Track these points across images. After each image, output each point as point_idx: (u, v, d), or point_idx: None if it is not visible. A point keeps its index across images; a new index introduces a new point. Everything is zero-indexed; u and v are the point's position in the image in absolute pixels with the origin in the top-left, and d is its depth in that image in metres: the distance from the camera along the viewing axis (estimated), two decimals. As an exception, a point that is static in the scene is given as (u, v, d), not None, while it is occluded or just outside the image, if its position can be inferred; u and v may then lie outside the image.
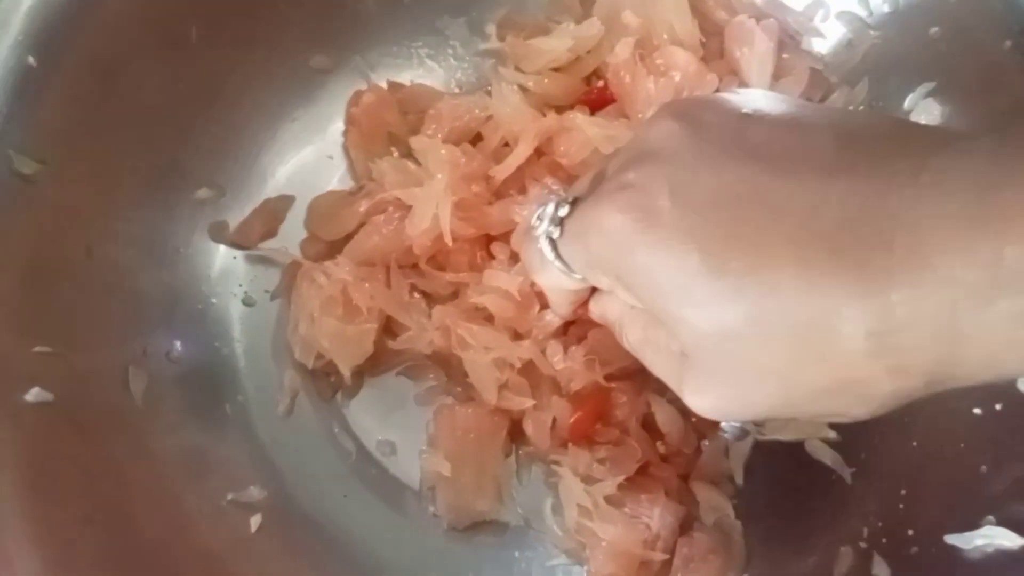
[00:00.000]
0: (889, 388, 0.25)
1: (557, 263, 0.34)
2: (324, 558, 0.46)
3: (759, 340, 0.26)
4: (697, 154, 0.28)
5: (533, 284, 0.44)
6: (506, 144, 0.50)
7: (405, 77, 0.53)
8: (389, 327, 0.49)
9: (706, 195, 0.27)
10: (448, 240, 0.46)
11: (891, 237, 0.24)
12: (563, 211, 0.33)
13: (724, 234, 0.26)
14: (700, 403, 0.29)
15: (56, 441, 0.39)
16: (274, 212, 0.51)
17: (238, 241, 0.50)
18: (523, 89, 0.50)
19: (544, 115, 0.48)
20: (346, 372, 0.48)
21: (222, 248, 0.50)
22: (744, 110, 0.29)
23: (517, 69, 0.50)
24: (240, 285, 0.50)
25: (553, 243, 0.34)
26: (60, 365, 0.40)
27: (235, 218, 0.50)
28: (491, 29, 0.51)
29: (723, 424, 0.49)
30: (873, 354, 0.24)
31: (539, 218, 0.35)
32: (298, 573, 0.45)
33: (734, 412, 0.31)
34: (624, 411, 0.47)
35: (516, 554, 0.48)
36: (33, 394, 0.38)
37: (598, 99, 0.50)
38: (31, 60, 0.40)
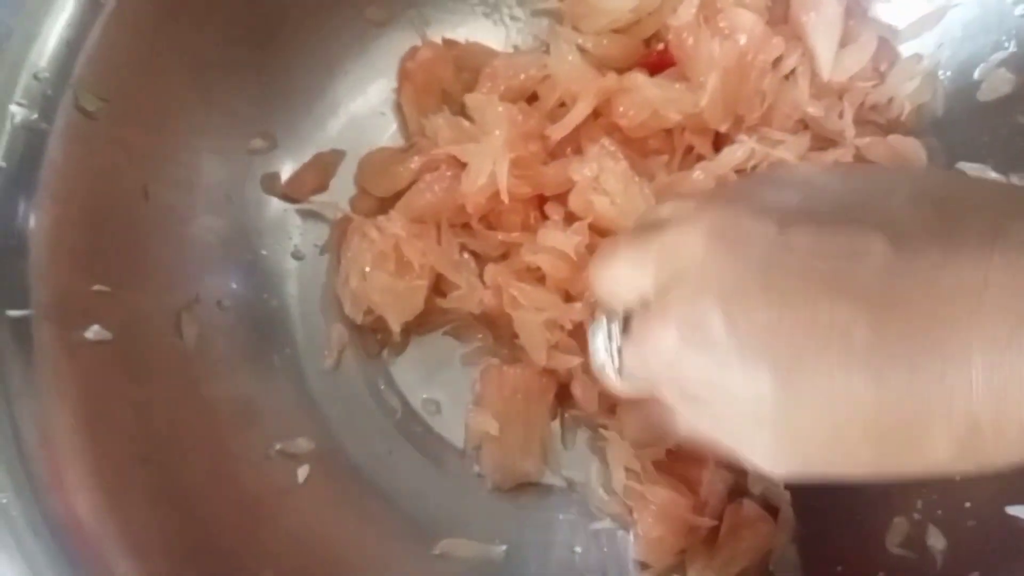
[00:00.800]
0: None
1: (625, 386, 0.33)
2: (369, 511, 0.46)
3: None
4: (738, 284, 0.26)
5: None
6: (562, 104, 0.49)
7: (460, 34, 0.52)
8: (439, 286, 0.49)
9: (759, 326, 0.25)
10: (505, 197, 0.45)
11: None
12: (618, 343, 0.32)
13: (788, 356, 0.25)
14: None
15: (113, 379, 0.39)
16: (325, 166, 0.51)
17: (289, 193, 0.50)
18: (581, 50, 0.49)
19: (603, 75, 0.48)
20: (396, 327, 0.47)
21: (274, 200, 0.50)
22: (784, 209, 0.27)
23: (575, 29, 0.50)
24: (290, 238, 0.50)
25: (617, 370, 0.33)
26: (117, 305, 0.40)
27: (287, 170, 0.50)
28: (549, -12, 0.51)
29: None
30: None
31: (597, 352, 0.34)
32: (344, 524, 0.45)
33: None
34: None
35: (560, 516, 0.47)
36: (93, 331, 0.38)
37: (658, 62, 0.49)
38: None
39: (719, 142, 0.47)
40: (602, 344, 0.33)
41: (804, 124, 0.47)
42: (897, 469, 0.26)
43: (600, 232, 0.46)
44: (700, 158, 0.47)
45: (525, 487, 0.48)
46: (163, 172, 0.44)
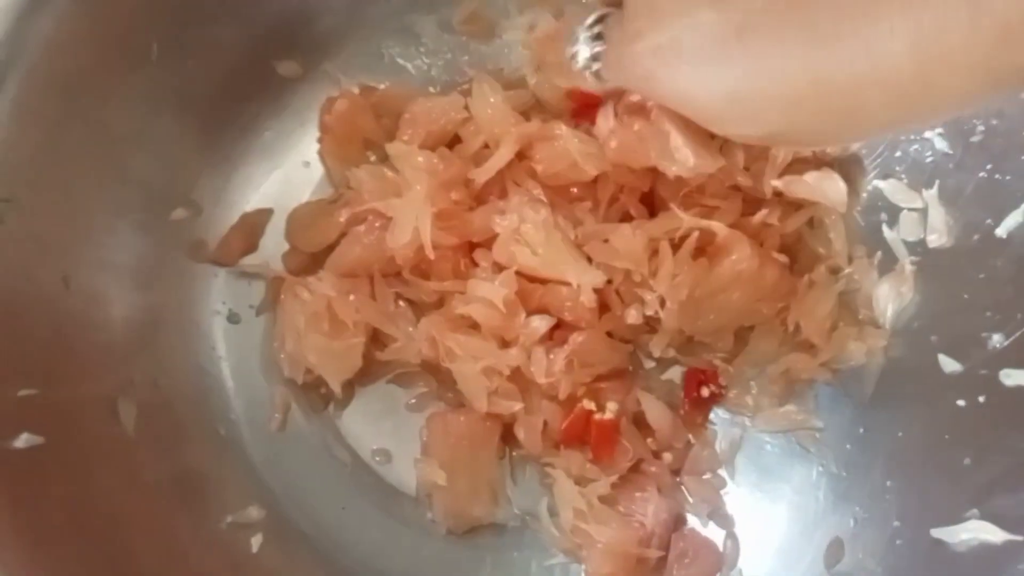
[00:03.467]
0: None
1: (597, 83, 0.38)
2: (326, 571, 0.46)
3: None
4: None
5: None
6: (486, 146, 0.49)
7: (377, 79, 0.51)
8: (377, 337, 0.49)
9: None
10: (429, 253, 0.45)
11: None
12: (597, 48, 0.37)
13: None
14: None
15: (47, 483, 0.39)
16: (253, 226, 0.50)
17: (218, 259, 0.50)
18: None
19: (528, 119, 0.47)
20: (336, 387, 0.48)
21: (202, 267, 0.49)
22: None
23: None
24: (223, 303, 0.50)
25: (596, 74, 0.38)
26: (47, 405, 0.40)
27: (214, 235, 0.50)
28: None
29: (712, 417, 0.49)
30: None
31: (573, 57, 0.38)
32: (302, 587, 0.46)
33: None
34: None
35: (515, 554, 0.48)
36: (22, 440, 0.38)
37: (584, 104, 0.48)
38: (-7, 90, 0.38)
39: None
40: (583, 54, 0.38)
41: (736, 187, 0.47)
42: (839, 133, 0.32)
43: (529, 278, 0.46)
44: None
45: (479, 528, 0.49)
46: (82, 258, 0.44)
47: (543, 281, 0.47)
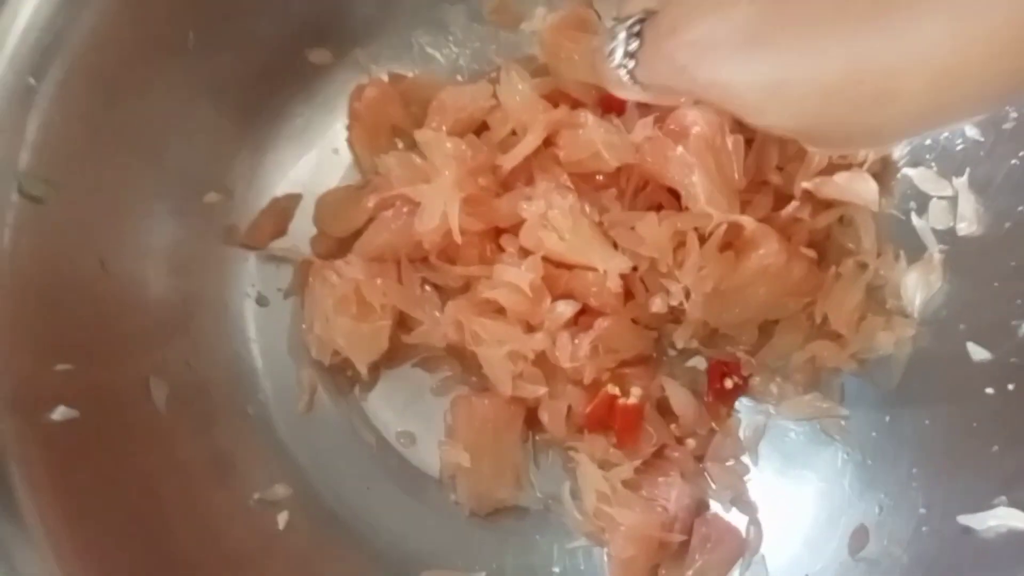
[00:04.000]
0: None
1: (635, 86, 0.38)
2: (351, 550, 0.47)
3: None
4: None
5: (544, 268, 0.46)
6: (513, 133, 0.49)
7: (406, 67, 0.52)
8: (403, 321, 0.49)
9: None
10: (457, 238, 0.46)
11: None
12: (633, 45, 0.37)
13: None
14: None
15: (85, 457, 0.40)
16: (282, 211, 0.51)
17: (249, 242, 0.51)
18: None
19: (556, 106, 0.48)
20: (362, 369, 0.48)
21: (234, 250, 0.50)
22: None
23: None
24: (253, 285, 0.51)
25: (630, 72, 0.38)
26: (83, 381, 0.41)
27: (244, 219, 0.51)
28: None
29: (736, 405, 0.49)
30: None
31: (611, 54, 0.38)
32: (326, 566, 0.46)
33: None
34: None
35: (537, 537, 0.49)
36: (59, 412, 0.39)
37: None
38: (31, 80, 0.39)
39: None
40: (620, 51, 0.38)
41: (766, 182, 0.47)
42: (877, 125, 0.30)
43: (555, 264, 0.47)
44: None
45: (502, 511, 0.49)
46: (119, 242, 0.45)
47: (569, 267, 0.47)
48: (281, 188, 0.51)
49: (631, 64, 0.38)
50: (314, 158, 0.52)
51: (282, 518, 0.46)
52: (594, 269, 0.46)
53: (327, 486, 0.48)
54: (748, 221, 0.44)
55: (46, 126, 0.40)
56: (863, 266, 0.48)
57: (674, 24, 0.34)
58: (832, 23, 0.29)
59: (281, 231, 0.52)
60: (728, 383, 0.49)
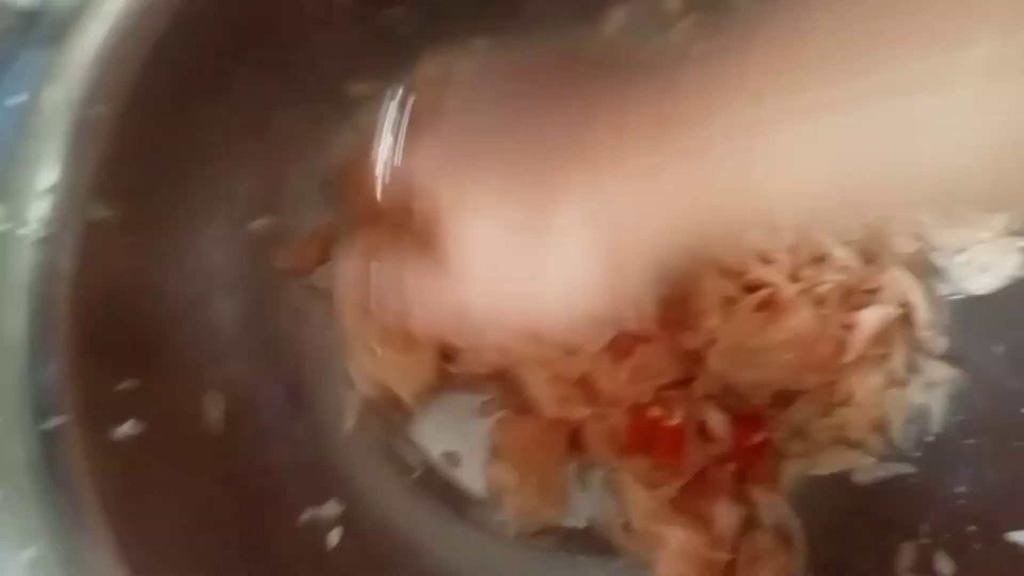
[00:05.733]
0: None
1: None
2: (398, 569, 0.48)
3: None
4: None
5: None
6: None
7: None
8: (445, 351, 0.50)
9: None
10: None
11: None
12: None
13: None
14: None
15: (148, 472, 0.41)
16: (325, 238, 0.52)
17: (294, 268, 0.52)
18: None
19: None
20: (409, 400, 0.49)
21: (281, 274, 0.52)
22: None
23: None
24: (299, 307, 0.52)
25: None
26: (144, 398, 0.42)
27: (291, 245, 0.52)
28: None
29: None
30: None
31: None
32: (375, 586, 0.47)
33: None
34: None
35: (583, 558, 0.49)
36: (125, 428, 0.40)
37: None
38: (100, 109, 0.41)
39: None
40: None
41: None
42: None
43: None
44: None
45: (547, 531, 0.50)
46: (173, 264, 0.46)
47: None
48: (323, 216, 0.53)
49: None
50: (357, 185, 0.53)
51: (332, 536, 0.47)
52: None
53: (375, 504, 0.49)
54: (786, 285, 0.45)
55: (107, 154, 0.42)
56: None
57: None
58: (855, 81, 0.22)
59: (326, 258, 0.53)
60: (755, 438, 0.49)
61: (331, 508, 0.48)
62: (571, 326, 0.30)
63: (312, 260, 0.53)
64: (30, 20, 0.40)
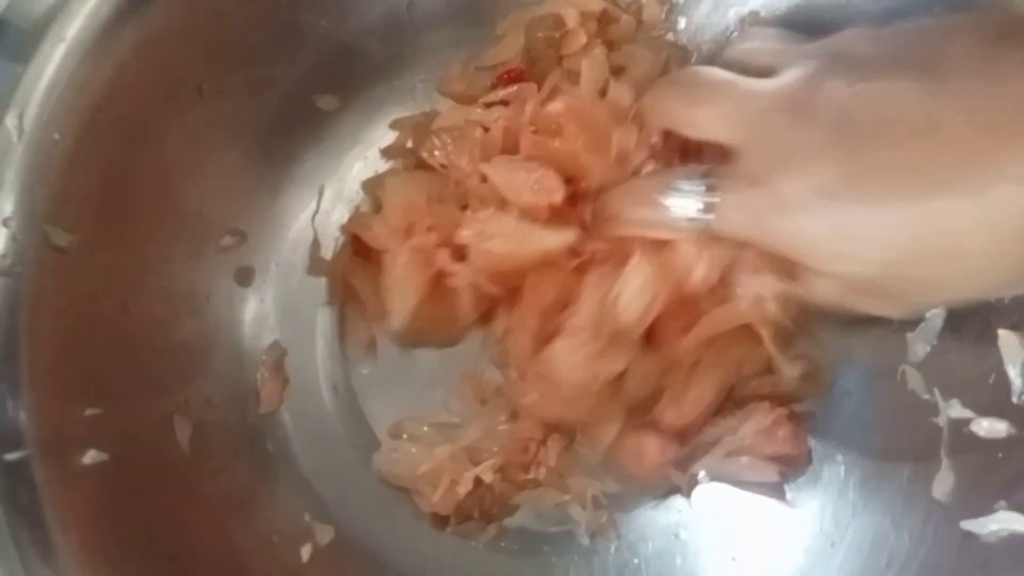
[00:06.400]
0: None
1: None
2: (374, 577, 0.48)
3: None
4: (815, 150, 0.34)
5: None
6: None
7: (409, 110, 0.54)
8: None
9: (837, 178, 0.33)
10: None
11: None
12: (712, 198, 0.38)
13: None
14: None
15: (115, 499, 0.41)
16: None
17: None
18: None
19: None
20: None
21: (248, 291, 0.52)
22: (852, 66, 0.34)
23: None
24: (268, 325, 0.52)
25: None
26: (110, 424, 0.42)
27: (259, 261, 0.52)
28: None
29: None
30: None
31: (678, 207, 0.40)
32: (350, 597, 0.47)
33: None
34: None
35: (553, 560, 0.50)
36: (90, 456, 0.40)
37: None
38: (55, 135, 0.41)
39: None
40: (694, 205, 0.39)
41: None
42: (942, 286, 0.33)
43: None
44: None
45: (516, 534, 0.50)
46: (140, 286, 0.46)
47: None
48: (292, 229, 0.53)
49: (708, 217, 0.39)
50: (324, 200, 0.54)
51: (305, 551, 0.47)
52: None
53: (348, 517, 0.49)
54: None
55: (68, 178, 0.42)
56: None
57: (757, 178, 0.36)
58: (913, 185, 0.31)
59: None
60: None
61: (303, 524, 0.48)
62: None
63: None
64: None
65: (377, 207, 0.51)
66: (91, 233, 0.43)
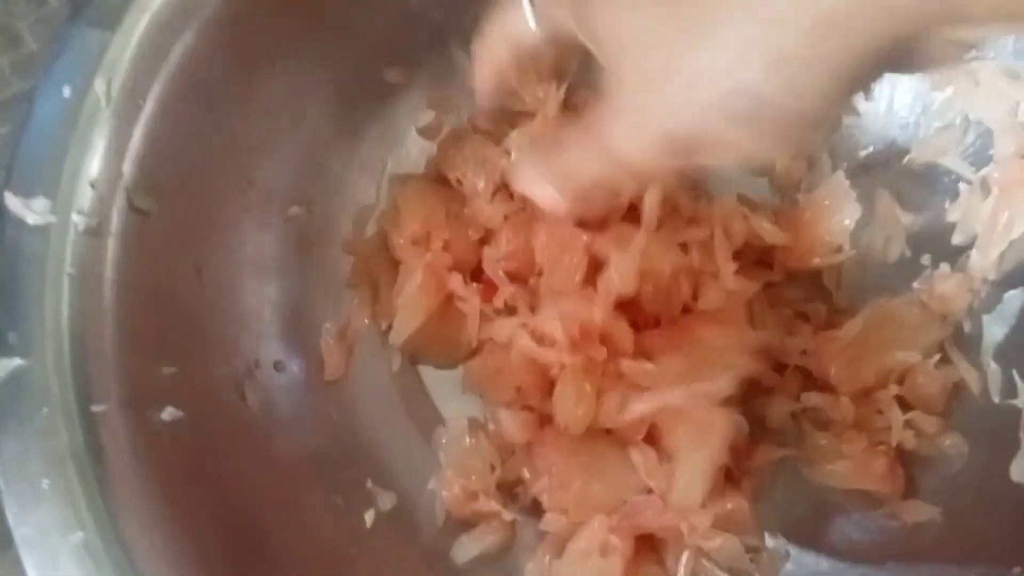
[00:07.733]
0: None
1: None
2: (436, 549, 0.49)
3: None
4: None
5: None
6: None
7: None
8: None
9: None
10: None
11: None
12: None
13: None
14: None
15: (189, 456, 0.42)
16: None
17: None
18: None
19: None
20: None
21: (313, 260, 0.53)
22: None
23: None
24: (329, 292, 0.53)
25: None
26: (186, 384, 0.43)
27: (324, 232, 0.53)
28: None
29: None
30: None
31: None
32: (412, 564, 0.48)
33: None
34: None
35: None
36: (168, 412, 0.41)
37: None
38: (140, 101, 0.42)
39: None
40: None
41: None
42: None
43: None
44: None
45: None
46: (212, 251, 0.47)
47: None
48: (358, 201, 0.54)
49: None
50: (389, 172, 0.54)
51: (369, 516, 0.48)
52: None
53: (409, 484, 0.50)
54: None
55: (150, 143, 0.43)
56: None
57: None
58: None
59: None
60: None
61: (367, 489, 0.49)
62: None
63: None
64: (77, 6, 0.41)
65: (395, 208, 0.52)
66: (169, 198, 0.44)
